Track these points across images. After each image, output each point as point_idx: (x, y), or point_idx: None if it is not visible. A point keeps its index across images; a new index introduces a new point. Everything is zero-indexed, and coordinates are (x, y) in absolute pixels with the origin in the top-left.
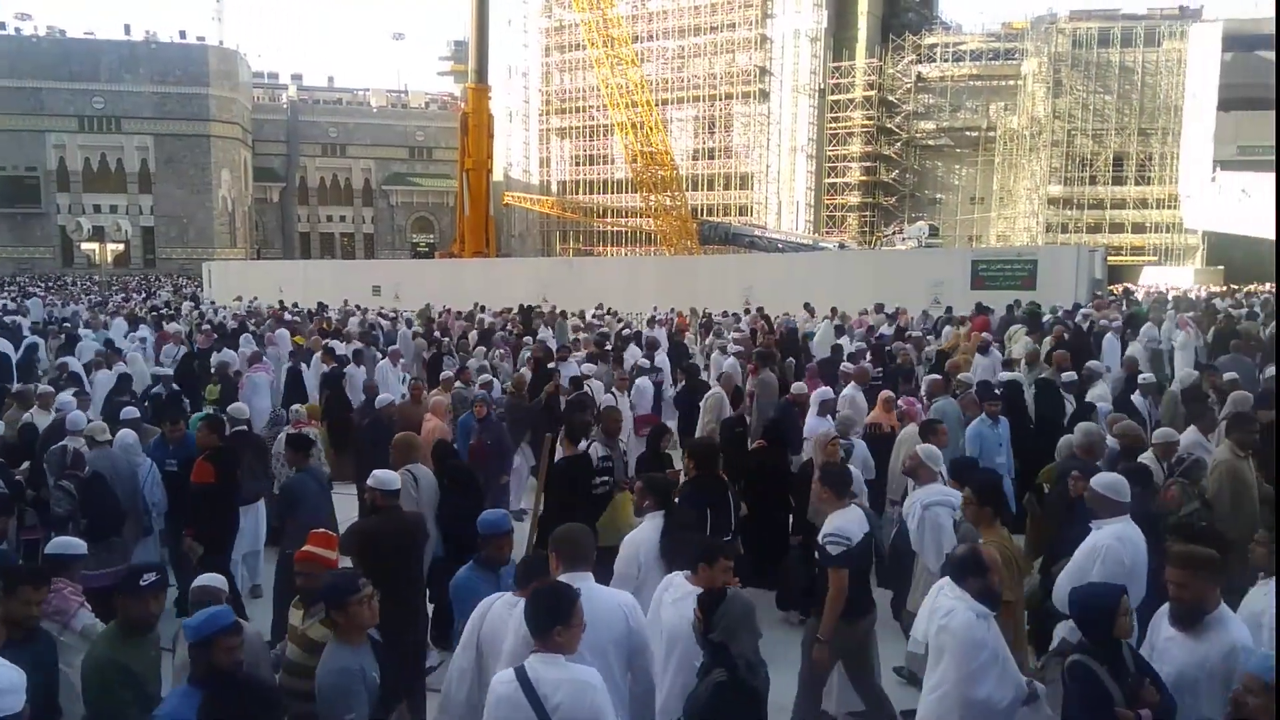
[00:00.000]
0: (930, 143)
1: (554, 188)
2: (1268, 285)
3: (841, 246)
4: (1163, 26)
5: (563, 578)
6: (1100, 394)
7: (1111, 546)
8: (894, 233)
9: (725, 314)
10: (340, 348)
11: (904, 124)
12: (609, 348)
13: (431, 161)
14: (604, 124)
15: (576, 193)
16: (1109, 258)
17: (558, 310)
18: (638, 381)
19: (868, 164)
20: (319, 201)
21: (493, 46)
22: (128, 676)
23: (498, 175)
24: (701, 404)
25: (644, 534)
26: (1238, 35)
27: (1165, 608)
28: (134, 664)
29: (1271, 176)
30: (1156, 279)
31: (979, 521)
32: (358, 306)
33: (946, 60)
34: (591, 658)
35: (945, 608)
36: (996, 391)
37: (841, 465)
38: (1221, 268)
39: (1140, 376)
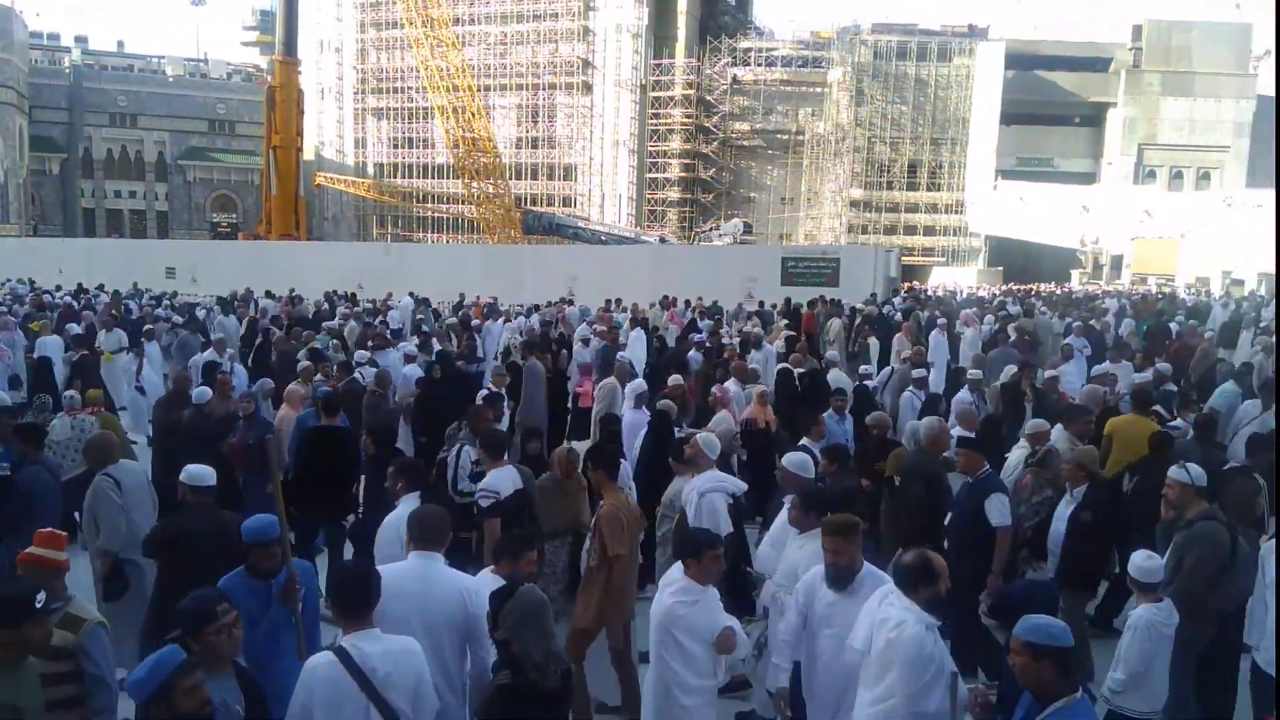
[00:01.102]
0: (745, 143)
1: (370, 170)
2: (1044, 285)
3: (662, 240)
4: (954, 44)
5: (413, 556)
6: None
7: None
8: (711, 229)
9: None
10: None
11: (721, 124)
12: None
13: (234, 136)
14: (424, 106)
15: (395, 176)
16: (903, 258)
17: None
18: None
19: (687, 161)
20: (105, 175)
21: (303, 18)
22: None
23: (308, 154)
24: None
25: (397, 516)
26: (1018, 55)
27: (815, 576)
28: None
29: (1052, 188)
30: (944, 278)
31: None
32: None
33: (760, 65)
34: (424, 637)
35: (895, 619)
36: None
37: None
38: (1001, 269)
39: (970, 373)
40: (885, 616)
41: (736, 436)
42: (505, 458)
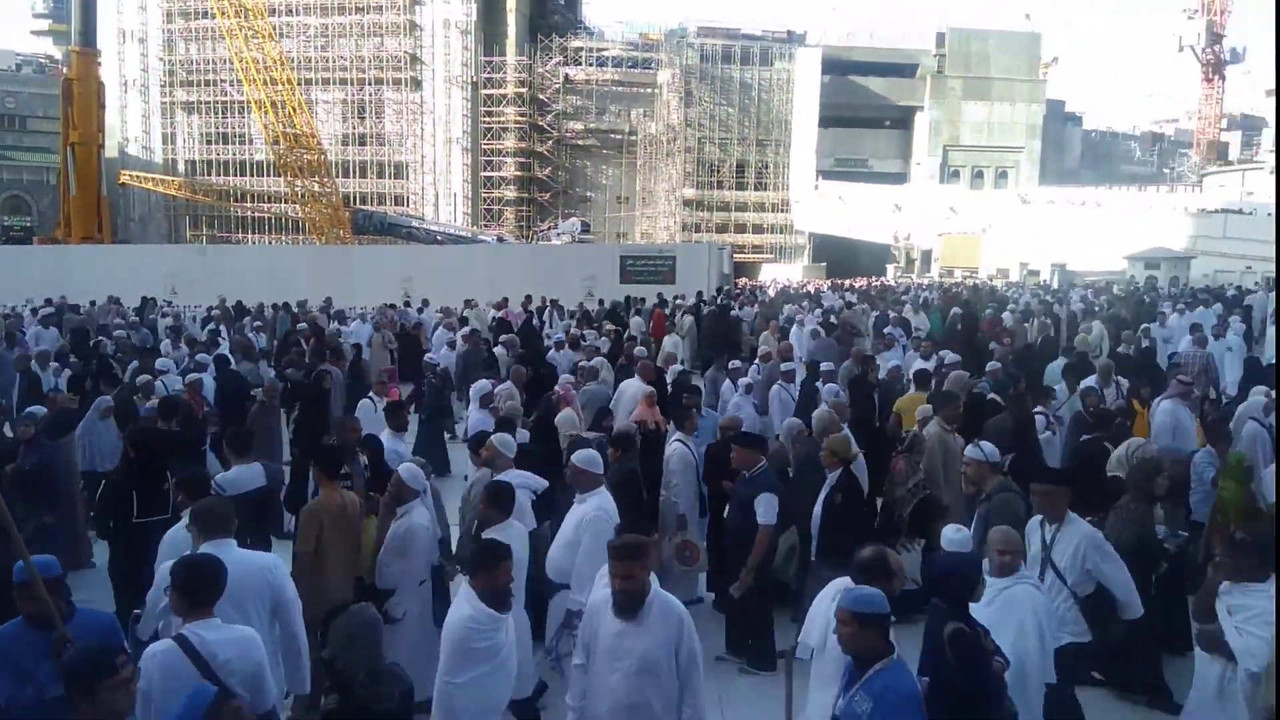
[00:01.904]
0: (580, 142)
1: (181, 167)
2: (861, 280)
3: (500, 240)
4: (774, 48)
5: (204, 547)
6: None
7: (597, 515)
8: (549, 228)
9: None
10: None
11: (555, 123)
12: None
13: (26, 133)
14: (239, 100)
15: (209, 174)
16: (735, 255)
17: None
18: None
19: (522, 160)
20: None
21: (102, 6)
22: None
23: (111, 151)
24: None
25: (179, 530)
26: (834, 60)
27: (601, 604)
28: None
29: (868, 188)
30: (773, 275)
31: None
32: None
33: (591, 64)
34: (234, 613)
35: None
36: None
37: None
38: (824, 264)
39: (821, 366)
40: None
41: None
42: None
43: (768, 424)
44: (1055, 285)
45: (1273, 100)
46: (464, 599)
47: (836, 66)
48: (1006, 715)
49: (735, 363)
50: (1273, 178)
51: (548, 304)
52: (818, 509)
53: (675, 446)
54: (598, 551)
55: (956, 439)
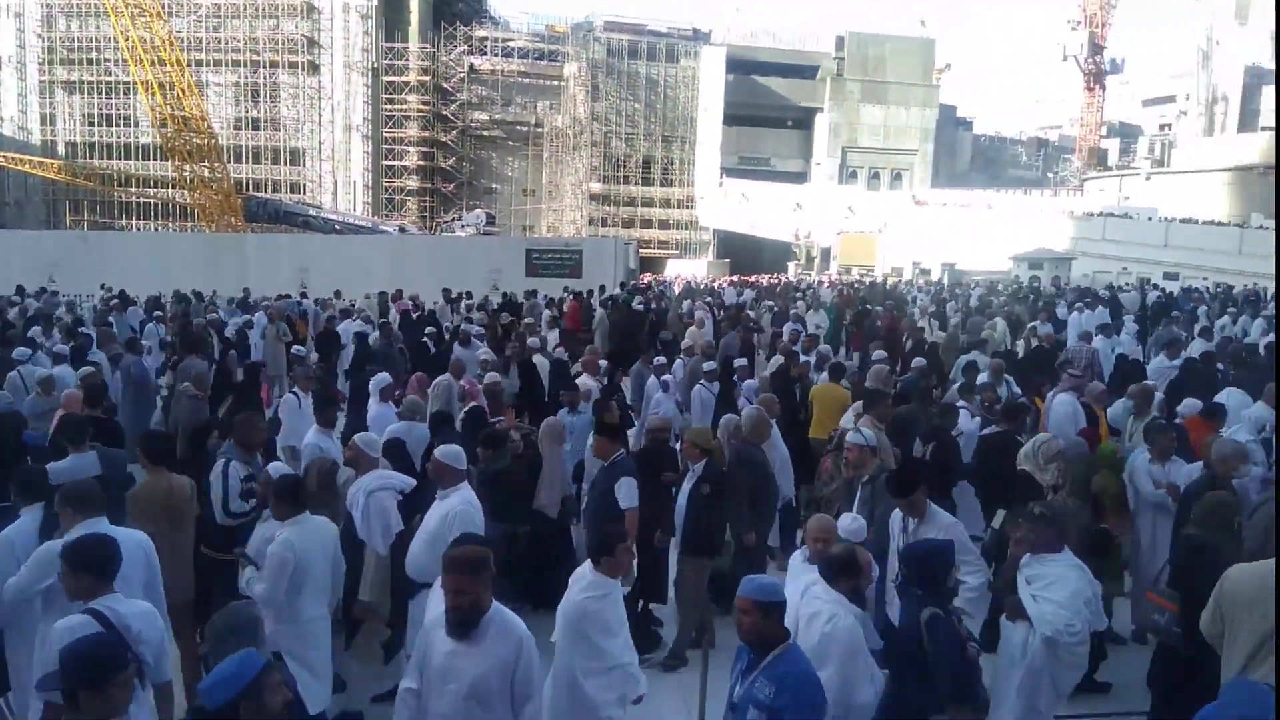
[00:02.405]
0: (485, 134)
1: (61, 149)
2: (761, 277)
3: (402, 230)
4: (680, 45)
5: (79, 528)
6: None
7: (464, 511)
8: (453, 219)
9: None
10: None
11: (459, 113)
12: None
13: None
14: (125, 81)
15: (91, 156)
16: (640, 251)
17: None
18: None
19: (425, 149)
20: None
21: None
22: None
23: None
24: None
25: (17, 529)
26: (738, 60)
27: (434, 622)
28: None
29: (770, 186)
30: (679, 270)
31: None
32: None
33: (497, 55)
34: (119, 586)
35: (827, 613)
36: None
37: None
38: (728, 260)
39: (735, 362)
40: (815, 611)
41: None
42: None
43: (688, 422)
44: (946, 283)
45: (1149, 110)
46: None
47: (740, 66)
48: (981, 701)
49: (660, 359)
50: (1148, 183)
51: (463, 295)
52: (682, 499)
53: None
54: None
55: (885, 435)
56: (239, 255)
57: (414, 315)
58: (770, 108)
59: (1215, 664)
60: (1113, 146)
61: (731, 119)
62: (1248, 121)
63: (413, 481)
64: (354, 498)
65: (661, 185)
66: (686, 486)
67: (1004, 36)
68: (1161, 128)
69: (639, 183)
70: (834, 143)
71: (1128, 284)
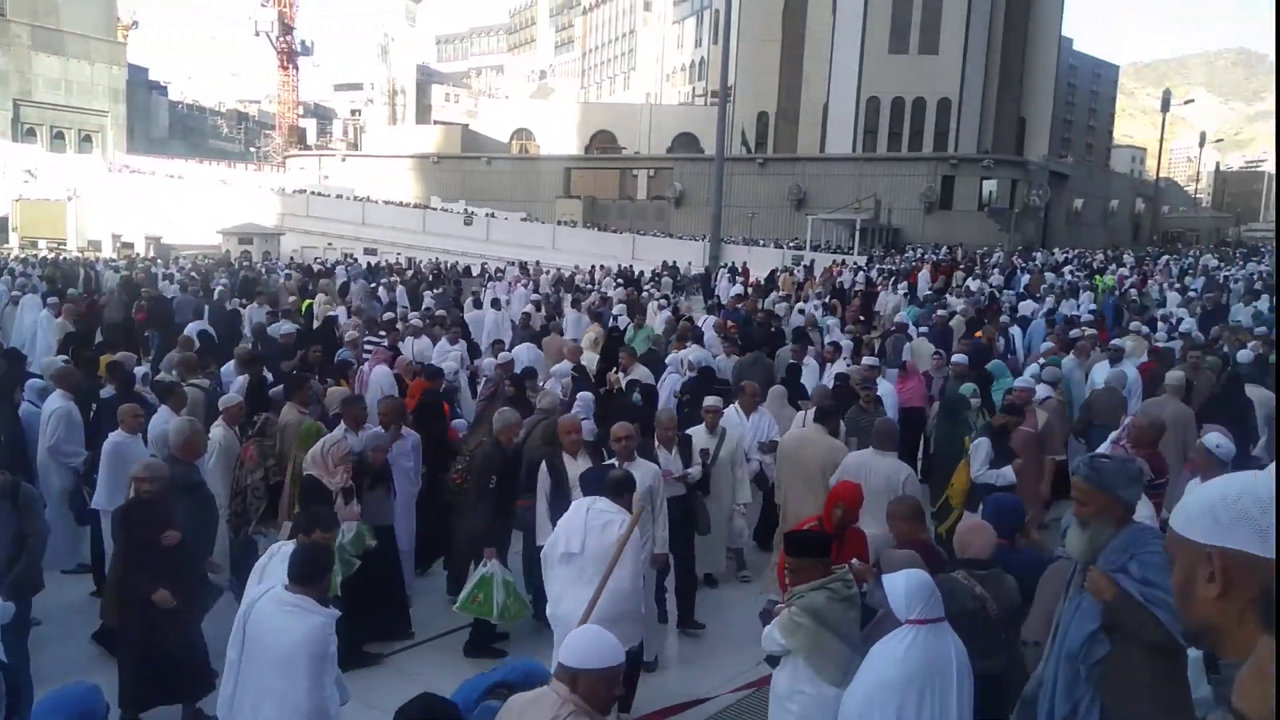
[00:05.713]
0: None
1: None
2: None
3: None
4: None
5: None
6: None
7: None
8: None
9: None
10: None
11: None
12: None
13: None
14: None
15: None
16: None
17: None
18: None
19: None
20: None
21: None
22: None
23: None
24: None
25: None
26: None
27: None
28: None
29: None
30: None
31: None
32: None
33: None
34: None
35: (614, 519)
36: None
37: None
38: None
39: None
40: (605, 520)
41: None
42: None
43: None
44: (154, 256)
45: (341, 95)
46: None
47: None
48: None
49: None
50: (345, 164)
51: None
52: None
53: None
54: None
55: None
56: None
57: None
58: None
59: None
60: (311, 126)
61: None
62: (422, 114)
63: None
64: None
65: None
66: None
67: (196, 1)
68: (353, 112)
69: None
70: (3, 93)
71: (339, 260)
